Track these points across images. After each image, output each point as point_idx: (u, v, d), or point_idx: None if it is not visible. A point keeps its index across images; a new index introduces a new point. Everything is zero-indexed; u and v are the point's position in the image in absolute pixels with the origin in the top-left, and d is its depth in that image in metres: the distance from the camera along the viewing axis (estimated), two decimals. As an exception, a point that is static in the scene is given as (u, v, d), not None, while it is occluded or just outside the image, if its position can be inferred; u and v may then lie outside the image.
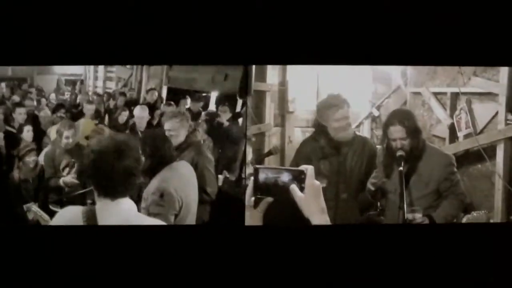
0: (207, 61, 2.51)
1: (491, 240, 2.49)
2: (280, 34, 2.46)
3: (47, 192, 2.62)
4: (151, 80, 2.84)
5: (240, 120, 2.69)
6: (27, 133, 2.64)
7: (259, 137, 2.70)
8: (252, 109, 2.65)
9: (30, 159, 2.60)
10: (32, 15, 2.41)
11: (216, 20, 2.43)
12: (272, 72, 2.70)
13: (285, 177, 1.26)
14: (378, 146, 2.67)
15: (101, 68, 2.80)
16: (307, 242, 2.44)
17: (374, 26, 2.47)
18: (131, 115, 2.80)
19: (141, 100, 2.84)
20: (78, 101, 2.79)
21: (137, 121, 2.78)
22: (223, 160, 2.72)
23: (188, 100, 2.84)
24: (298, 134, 2.74)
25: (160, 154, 2.39)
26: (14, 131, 2.63)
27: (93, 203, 1.94)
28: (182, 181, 2.42)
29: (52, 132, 2.67)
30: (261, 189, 1.27)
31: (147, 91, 2.84)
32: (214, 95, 2.84)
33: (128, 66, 2.82)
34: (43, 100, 2.75)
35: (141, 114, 2.79)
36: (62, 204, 2.56)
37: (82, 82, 2.79)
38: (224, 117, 2.81)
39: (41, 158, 2.64)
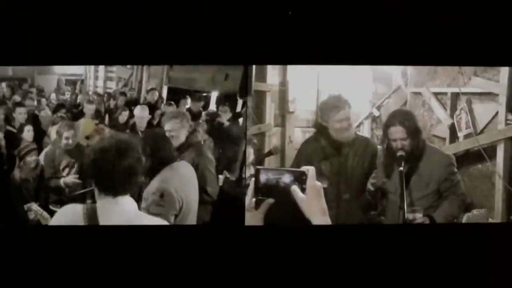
0: (208, 61, 2.51)
1: (491, 240, 2.49)
2: (280, 34, 2.46)
3: (47, 192, 2.62)
4: (152, 80, 2.84)
5: (241, 120, 2.69)
6: (28, 133, 2.63)
7: (260, 137, 2.70)
8: (253, 109, 2.65)
9: (31, 158, 2.60)
10: (32, 15, 2.41)
11: (216, 20, 2.43)
12: (272, 72, 2.70)
13: (286, 178, 1.26)
14: (379, 147, 2.67)
15: (101, 68, 2.79)
16: (307, 242, 2.44)
17: (374, 26, 2.47)
18: (132, 115, 2.79)
19: (141, 100, 2.84)
20: (78, 101, 2.79)
21: (137, 121, 2.78)
22: (224, 160, 2.72)
23: (189, 100, 2.84)
24: (298, 134, 2.74)
25: (160, 154, 2.39)
26: (15, 130, 2.63)
27: (94, 202, 1.94)
28: (182, 181, 2.42)
29: (52, 132, 2.67)
30: (262, 190, 1.27)
31: (148, 91, 2.84)
32: (214, 95, 2.84)
33: (128, 66, 2.82)
34: (44, 100, 2.75)
35: (141, 114, 2.78)
36: (62, 204, 2.56)
37: (82, 82, 2.79)
38: (225, 117, 2.80)
39: (42, 158, 2.64)
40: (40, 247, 2.42)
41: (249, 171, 2.57)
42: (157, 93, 2.83)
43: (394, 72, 2.69)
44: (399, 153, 2.55)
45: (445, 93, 2.68)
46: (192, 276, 2.43)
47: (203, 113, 2.85)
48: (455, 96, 2.66)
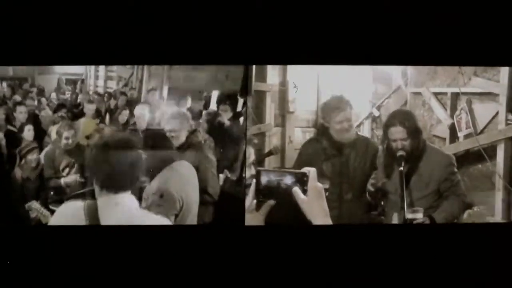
0: (208, 61, 2.51)
1: (491, 240, 2.49)
2: (280, 34, 2.46)
3: (47, 192, 2.62)
4: (152, 79, 2.83)
5: (241, 119, 2.69)
6: (28, 132, 2.63)
7: (260, 137, 2.70)
8: (253, 109, 2.65)
9: (32, 157, 2.60)
10: (32, 15, 2.41)
11: (216, 20, 2.43)
12: (273, 72, 2.70)
13: (287, 180, 1.26)
14: (379, 147, 2.67)
15: (102, 67, 2.79)
16: (307, 242, 2.45)
17: (374, 26, 2.47)
18: (132, 115, 2.79)
19: (142, 100, 2.84)
20: (79, 100, 2.79)
21: (137, 121, 2.78)
22: (225, 160, 2.72)
23: (189, 100, 2.83)
24: (298, 134, 2.74)
25: (160, 154, 2.39)
26: (15, 130, 2.64)
27: (94, 200, 1.95)
28: (182, 181, 2.42)
29: (53, 131, 2.67)
30: (263, 192, 1.27)
31: (148, 91, 2.84)
32: (215, 95, 2.84)
33: (128, 66, 2.82)
34: (44, 100, 2.75)
35: (141, 113, 2.78)
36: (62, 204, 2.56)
37: (83, 81, 2.79)
38: (225, 116, 2.80)
39: (42, 157, 2.64)
40: (41, 246, 2.43)
41: (250, 171, 2.57)
42: (157, 93, 2.83)
43: (394, 72, 2.69)
44: (399, 153, 2.56)
45: (445, 93, 2.68)
46: (192, 276, 2.44)
47: (204, 112, 2.85)
48: (455, 96, 2.66)
